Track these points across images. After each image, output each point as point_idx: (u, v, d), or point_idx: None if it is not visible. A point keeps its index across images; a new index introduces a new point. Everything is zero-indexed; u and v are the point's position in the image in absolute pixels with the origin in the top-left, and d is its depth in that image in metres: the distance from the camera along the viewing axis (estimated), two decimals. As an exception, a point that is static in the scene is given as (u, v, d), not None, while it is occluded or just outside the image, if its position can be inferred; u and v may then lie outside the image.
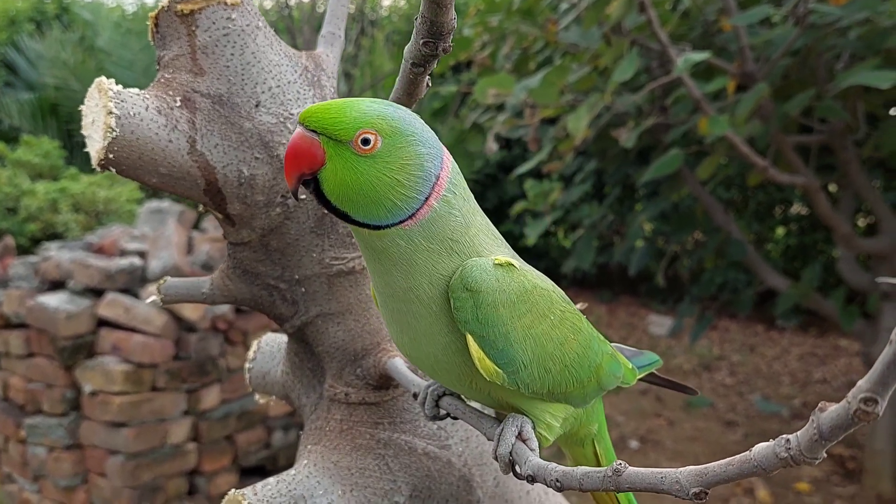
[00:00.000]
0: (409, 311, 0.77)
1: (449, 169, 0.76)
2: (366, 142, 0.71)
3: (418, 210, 0.73)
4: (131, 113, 0.87)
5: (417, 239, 0.73)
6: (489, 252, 0.77)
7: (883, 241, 4.14)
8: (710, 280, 6.63)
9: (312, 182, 0.74)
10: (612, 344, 0.96)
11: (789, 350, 7.16)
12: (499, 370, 0.75)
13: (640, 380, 1.05)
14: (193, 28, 0.94)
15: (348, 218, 0.74)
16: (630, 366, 0.96)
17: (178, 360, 3.48)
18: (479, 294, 0.74)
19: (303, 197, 0.98)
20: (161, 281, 1.03)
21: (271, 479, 0.94)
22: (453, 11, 0.68)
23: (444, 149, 0.77)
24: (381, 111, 0.73)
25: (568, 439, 0.93)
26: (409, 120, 0.74)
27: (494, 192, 8.56)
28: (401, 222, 0.73)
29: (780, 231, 8.27)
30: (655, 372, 1.05)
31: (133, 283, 3.58)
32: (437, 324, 0.77)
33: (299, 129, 0.73)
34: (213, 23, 0.94)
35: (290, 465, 4.09)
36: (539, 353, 0.78)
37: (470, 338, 0.75)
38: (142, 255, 3.78)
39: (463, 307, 0.74)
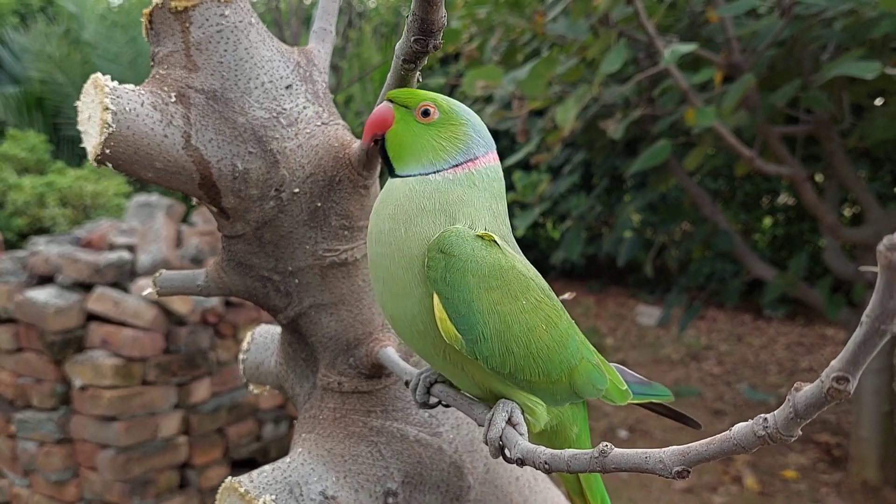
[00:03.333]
0: (388, 259, 0.82)
1: (491, 163, 0.87)
2: (426, 113, 0.84)
3: (444, 169, 0.84)
4: (127, 109, 0.89)
5: (426, 189, 0.82)
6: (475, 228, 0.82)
7: (868, 230, 4.18)
8: (697, 270, 6.68)
9: (381, 140, 0.87)
10: (615, 365, 0.96)
11: (776, 339, 7.22)
12: (458, 335, 0.78)
13: (645, 407, 1.04)
14: (187, 24, 0.95)
15: (392, 170, 0.86)
16: (623, 387, 0.95)
17: (169, 354, 3.49)
18: (451, 257, 0.78)
19: (296, 192, 1.00)
20: (156, 274, 1.05)
21: (267, 467, 0.96)
22: (443, 9, 0.70)
23: (495, 150, 0.88)
24: (446, 98, 0.87)
25: (547, 439, 0.93)
26: (469, 111, 0.88)
27: (483, 183, 8.56)
28: (425, 175, 0.83)
29: (767, 221, 8.33)
30: (662, 402, 1.04)
31: (122, 276, 3.58)
32: (409, 275, 0.81)
33: (383, 102, 0.87)
34: (207, 19, 0.96)
35: (280, 457, 4.11)
36: (502, 331, 0.79)
37: (436, 297, 0.78)
38: (131, 248, 3.78)
39: (435, 266, 0.78)
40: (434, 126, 0.84)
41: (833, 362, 0.47)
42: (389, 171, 0.87)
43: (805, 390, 0.49)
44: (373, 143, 0.89)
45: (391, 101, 0.86)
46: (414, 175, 0.84)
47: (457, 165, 0.84)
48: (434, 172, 0.83)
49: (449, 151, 0.84)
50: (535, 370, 0.82)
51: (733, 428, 0.54)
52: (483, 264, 0.79)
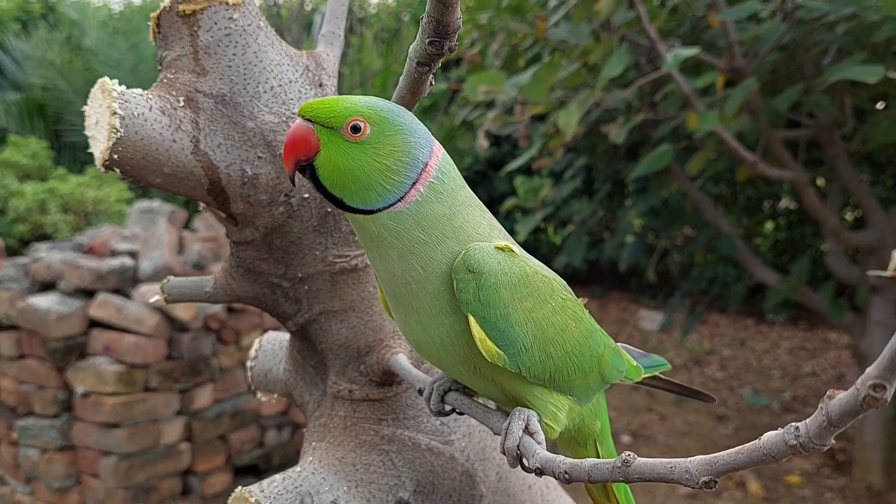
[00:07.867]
0: (410, 295, 0.80)
1: (439, 158, 0.79)
2: (356, 129, 0.75)
3: (406, 193, 0.76)
4: (135, 113, 0.87)
5: (407, 222, 0.77)
6: (483, 239, 0.80)
7: (871, 234, 4.17)
8: (700, 275, 6.67)
9: (309, 169, 0.78)
10: (618, 343, 0.98)
11: (779, 344, 7.20)
12: (500, 352, 0.77)
13: (657, 387, 1.07)
14: (195, 28, 0.94)
15: (343, 204, 0.78)
16: (634, 363, 0.97)
17: (171, 360, 3.47)
18: (481, 276, 0.76)
19: (306, 197, 0.99)
20: (164, 280, 1.03)
21: (277, 476, 0.95)
22: (459, 11, 0.69)
23: (436, 141, 0.80)
24: (370, 102, 0.77)
25: (570, 439, 0.94)
26: (398, 112, 0.78)
27: (484, 188, 8.57)
28: (390, 206, 0.76)
29: (769, 225, 8.32)
30: (671, 379, 1.06)
31: (124, 283, 3.57)
32: (437, 305, 0.79)
33: (297, 120, 0.78)
34: (215, 23, 0.95)
35: (283, 464, 4.10)
36: (540, 337, 0.80)
37: (472, 319, 0.77)
38: (133, 255, 3.77)
39: (465, 288, 0.77)
40: (369, 144, 0.75)
41: (869, 369, 0.46)
42: (334, 202, 0.78)
43: (839, 398, 0.48)
44: (296, 171, 0.79)
45: (309, 119, 0.77)
46: (376, 209, 0.76)
47: (415, 182, 0.77)
48: (398, 201, 0.76)
49: (399, 172, 0.76)
50: (571, 368, 0.83)
51: (763, 437, 0.53)
52: (511, 275, 0.78)
